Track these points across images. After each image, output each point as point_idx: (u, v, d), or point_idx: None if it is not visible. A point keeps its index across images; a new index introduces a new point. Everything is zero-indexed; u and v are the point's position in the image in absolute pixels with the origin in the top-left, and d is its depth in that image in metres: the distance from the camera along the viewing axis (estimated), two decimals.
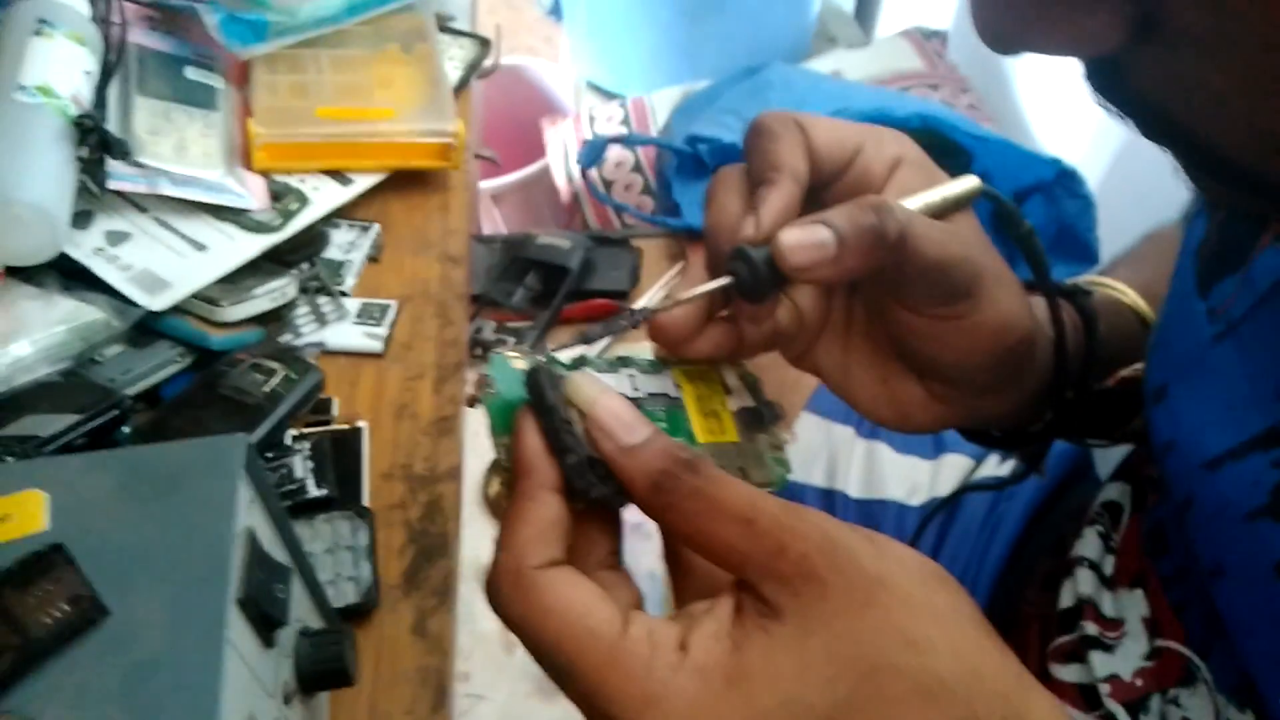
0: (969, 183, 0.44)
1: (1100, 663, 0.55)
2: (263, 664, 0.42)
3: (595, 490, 0.33)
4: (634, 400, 0.38)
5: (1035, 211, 0.97)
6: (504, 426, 0.35)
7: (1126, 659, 0.54)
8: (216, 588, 0.38)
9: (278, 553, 0.45)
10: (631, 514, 0.55)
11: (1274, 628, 0.40)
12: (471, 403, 0.35)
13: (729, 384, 0.41)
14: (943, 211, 0.43)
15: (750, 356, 0.43)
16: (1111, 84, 0.30)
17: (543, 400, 0.34)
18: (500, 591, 0.32)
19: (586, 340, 0.39)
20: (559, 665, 0.31)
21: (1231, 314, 0.46)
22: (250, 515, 0.42)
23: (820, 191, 0.42)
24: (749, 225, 0.39)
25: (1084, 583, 0.59)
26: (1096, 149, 1.08)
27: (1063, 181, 0.92)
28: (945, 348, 0.44)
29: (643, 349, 0.42)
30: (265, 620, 0.41)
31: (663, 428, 0.37)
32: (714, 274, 0.40)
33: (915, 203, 0.42)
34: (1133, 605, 0.56)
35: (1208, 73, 0.26)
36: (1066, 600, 0.60)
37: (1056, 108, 1.22)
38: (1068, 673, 0.58)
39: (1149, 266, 0.63)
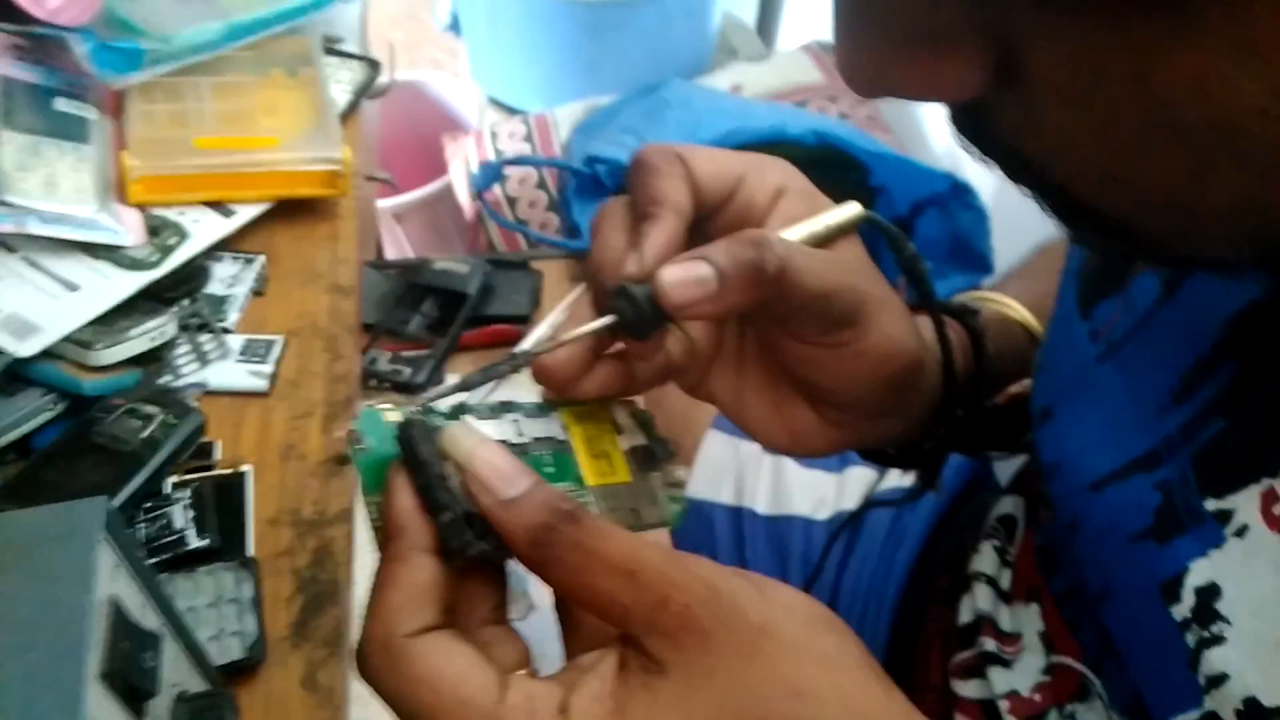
0: (851, 210, 0.44)
1: (999, 679, 0.56)
2: None
3: (473, 548, 0.32)
4: (519, 446, 0.37)
5: (931, 224, 0.99)
6: (375, 485, 0.33)
7: (1025, 674, 0.55)
8: (74, 663, 0.36)
9: (148, 617, 0.43)
10: None
11: (1160, 649, 0.40)
12: (340, 460, 0.34)
13: (620, 422, 0.41)
14: (826, 239, 0.43)
15: (642, 391, 0.43)
16: (975, 128, 0.30)
17: (415, 455, 0.33)
18: (369, 662, 0.31)
19: (466, 387, 0.38)
20: None
21: (1113, 335, 0.46)
22: (114, 582, 0.40)
23: (704, 222, 0.42)
24: (632, 262, 0.38)
25: (981, 598, 0.60)
26: None
27: (957, 194, 0.93)
28: (832, 374, 0.44)
29: (529, 391, 0.41)
30: (133, 692, 0.39)
31: (549, 473, 0.37)
32: (601, 310, 0.39)
33: (798, 232, 0.42)
34: (1029, 620, 0.56)
35: (1064, 120, 0.27)
36: (965, 616, 0.61)
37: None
38: (969, 689, 0.59)
39: (1040, 281, 0.64)
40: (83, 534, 0.39)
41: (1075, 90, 0.25)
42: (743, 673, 0.30)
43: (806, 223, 0.43)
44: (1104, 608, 0.45)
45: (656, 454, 0.40)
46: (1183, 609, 0.38)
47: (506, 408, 0.38)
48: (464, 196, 1.38)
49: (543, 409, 0.39)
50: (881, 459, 0.59)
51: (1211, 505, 0.38)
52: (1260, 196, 0.25)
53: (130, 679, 0.39)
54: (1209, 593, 0.38)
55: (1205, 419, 0.40)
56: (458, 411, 0.36)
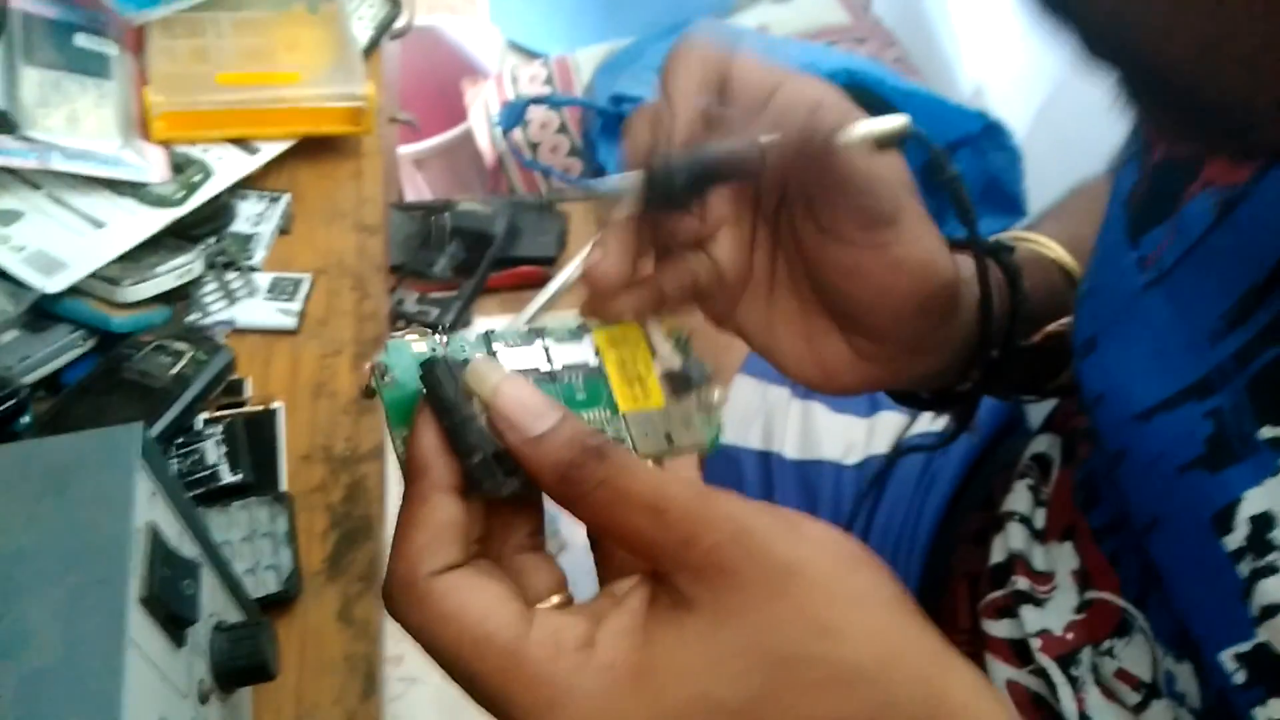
0: (898, 120, 0.43)
1: (1031, 618, 0.55)
2: (173, 664, 0.40)
3: (505, 488, 0.31)
4: (548, 373, 0.36)
5: (963, 165, 0.97)
6: (402, 419, 0.32)
7: (1058, 613, 0.54)
8: (115, 588, 0.36)
9: (186, 546, 0.43)
10: None
11: (1211, 581, 0.39)
12: (368, 394, 0.33)
13: (656, 345, 0.40)
14: (870, 144, 0.42)
15: (671, 314, 0.42)
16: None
17: (440, 396, 0.31)
18: (395, 601, 0.31)
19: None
20: (460, 673, 0.30)
21: (1163, 262, 0.45)
22: (151, 509, 0.40)
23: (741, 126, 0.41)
24: (659, 148, 0.38)
25: (1015, 537, 0.59)
26: (1022, 101, 1.08)
27: (989, 134, 0.91)
28: (867, 285, 0.43)
29: (563, 317, 0.40)
30: (173, 619, 0.39)
31: (580, 400, 0.37)
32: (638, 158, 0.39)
33: (851, 131, 0.41)
34: (1063, 559, 0.56)
35: None
36: (998, 556, 0.60)
37: (982, 60, 1.22)
38: (999, 628, 0.58)
39: (1074, 220, 0.63)
40: (120, 460, 0.39)
41: None
42: (770, 611, 0.29)
43: (852, 126, 0.41)
44: (1151, 539, 0.44)
45: (692, 378, 0.39)
46: (1235, 539, 0.38)
47: (537, 334, 0.37)
48: (484, 142, 1.36)
49: (575, 333, 0.38)
50: (914, 402, 0.58)
51: (1267, 433, 0.37)
52: None
53: (170, 605, 0.38)
54: (1263, 522, 0.37)
55: (1261, 345, 0.39)
56: (487, 338, 0.35)
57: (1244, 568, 0.37)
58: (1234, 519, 0.38)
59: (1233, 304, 0.41)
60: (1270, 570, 0.36)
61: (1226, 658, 0.38)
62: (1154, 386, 0.43)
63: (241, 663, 0.44)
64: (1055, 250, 0.59)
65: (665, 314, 0.41)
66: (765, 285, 0.46)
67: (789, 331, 0.46)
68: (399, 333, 0.34)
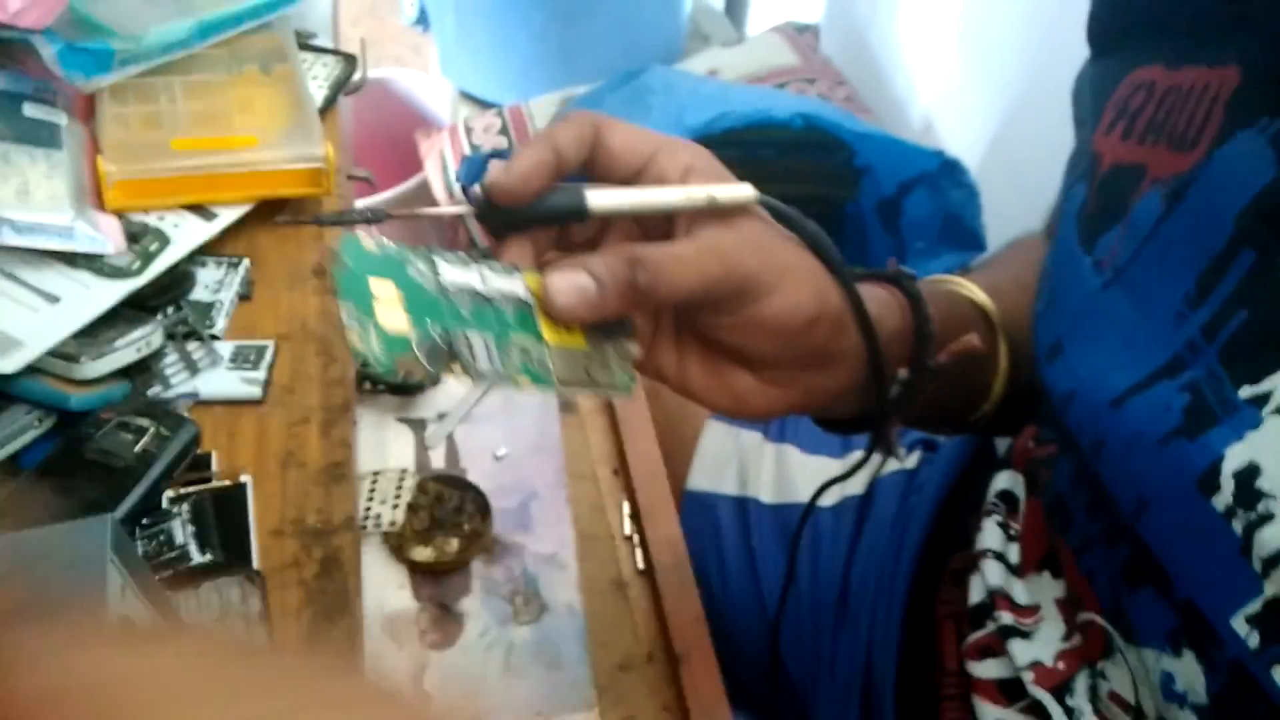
0: (743, 190, 0.48)
1: (1020, 651, 0.56)
2: None
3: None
4: (482, 295, 0.41)
5: (920, 202, 0.98)
6: (349, 293, 0.38)
7: (1046, 643, 0.55)
8: None
9: None
10: (543, 547, 0.61)
11: (1208, 545, 0.40)
12: (319, 272, 0.39)
13: None
14: (719, 213, 0.48)
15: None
16: None
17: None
18: None
19: (319, 222, 0.44)
20: None
21: (1117, 261, 0.47)
22: (123, 603, 0.38)
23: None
24: (496, 170, 0.44)
25: (991, 574, 0.59)
26: (972, 136, 1.09)
27: (946, 172, 0.92)
28: (746, 340, 0.48)
29: None
30: None
31: (510, 323, 0.41)
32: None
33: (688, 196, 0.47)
34: (1044, 589, 0.56)
35: None
36: (976, 595, 0.60)
37: (931, 97, 1.24)
38: (984, 669, 0.58)
39: (1001, 269, 0.67)
40: (90, 554, 0.37)
41: None
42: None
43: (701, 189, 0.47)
44: (1142, 522, 0.45)
45: (613, 329, 0.43)
46: (1224, 497, 0.39)
47: (475, 259, 0.42)
48: (441, 193, 1.36)
49: (508, 270, 0.42)
50: (835, 427, 0.60)
51: (1247, 392, 0.39)
52: None
53: None
54: (1248, 474, 0.38)
55: (1227, 313, 0.41)
56: (428, 252, 0.41)
57: (1237, 524, 0.38)
58: (1219, 478, 0.39)
59: (1193, 282, 0.42)
60: (1264, 519, 0.37)
61: (1238, 623, 0.39)
62: (1123, 375, 0.45)
63: None
64: (970, 288, 0.62)
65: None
66: (671, 335, 0.50)
67: (699, 371, 0.50)
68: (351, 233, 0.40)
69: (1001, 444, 0.77)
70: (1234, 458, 0.38)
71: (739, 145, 0.97)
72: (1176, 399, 0.41)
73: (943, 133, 1.13)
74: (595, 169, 0.46)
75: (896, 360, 0.53)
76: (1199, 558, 0.41)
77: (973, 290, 0.61)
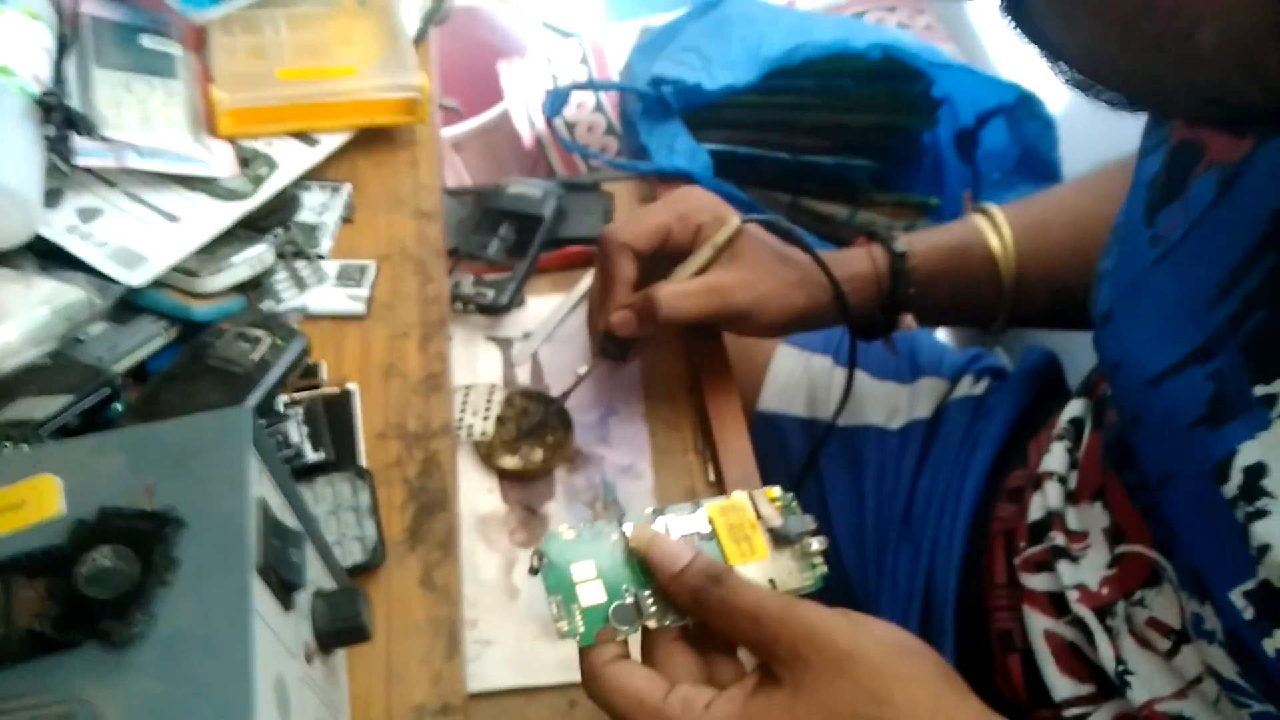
0: (729, 228, 0.70)
1: (1067, 572, 0.58)
2: (284, 627, 0.43)
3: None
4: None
5: (997, 134, 0.98)
6: (555, 586, 0.46)
7: (1092, 569, 0.57)
8: (238, 558, 0.39)
9: (288, 519, 0.46)
10: (620, 458, 0.70)
11: (1215, 527, 0.43)
12: (533, 571, 0.48)
13: (761, 511, 0.50)
14: (713, 258, 0.70)
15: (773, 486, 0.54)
16: (1018, 13, 0.35)
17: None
18: (586, 683, 0.46)
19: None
20: None
21: (1170, 238, 0.49)
22: (261, 485, 0.43)
23: (650, 259, 0.71)
24: (601, 320, 0.71)
25: (1052, 496, 0.62)
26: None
27: (1023, 105, 0.92)
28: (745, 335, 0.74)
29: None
30: (284, 585, 0.42)
31: None
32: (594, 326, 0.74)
33: (689, 266, 0.70)
34: (1094, 518, 0.59)
35: (1053, 11, 0.33)
36: (1036, 513, 0.63)
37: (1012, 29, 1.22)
38: (1037, 581, 0.61)
39: (1036, 206, 0.75)
40: (233, 441, 0.42)
41: None
42: (833, 685, 0.41)
43: (697, 254, 0.70)
44: (1164, 494, 0.47)
45: (790, 533, 0.49)
46: (1231, 487, 0.42)
47: (658, 513, 0.49)
48: (522, 124, 1.38)
49: (691, 508, 0.49)
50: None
51: (1259, 391, 0.41)
52: (1177, 69, 0.31)
53: (281, 573, 0.42)
54: (1255, 471, 0.41)
55: (1249, 310, 0.43)
56: (618, 521, 0.48)
57: (1239, 513, 0.41)
58: (1230, 469, 0.42)
59: (1227, 273, 0.45)
60: (1260, 514, 0.40)
61: (1236, 596, 0.42)
62: (1163, 353, 0.47)
63: (341, 625, 0.48)
64: (991, 236, 0.72)
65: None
66: None
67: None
68: (553, 528, 0.48)
69: (1076, 375, 0.79)
70: (1246, 454, 0.41)
71: (817, 75, 0.97)
72: (1203, 388, 0.44)
73: (1022, 66, 1.13)
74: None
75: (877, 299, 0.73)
76: (1207, 536, 0.44)
77: (992, 237, 0.72)
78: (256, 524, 0.41)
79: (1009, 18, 0.35)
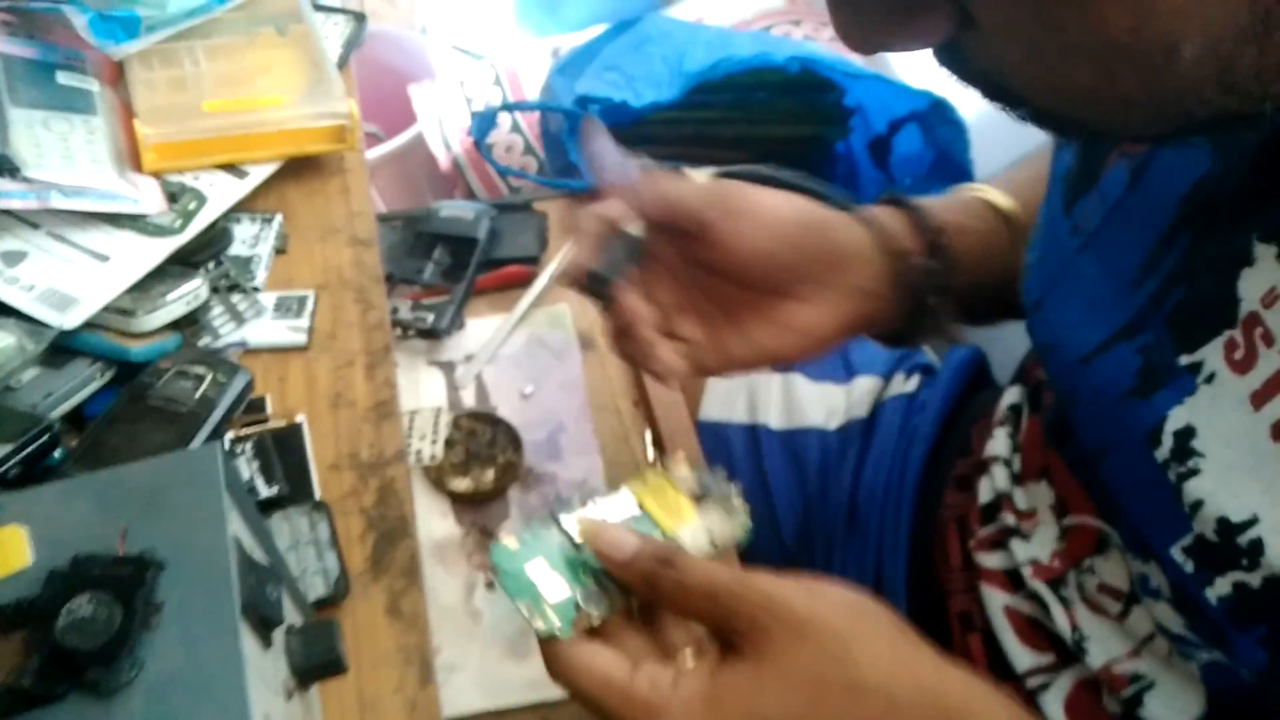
0: (703, 173, 0.61)
1: (1020, 549, 0.61)
2: (265, 666, 0.43)
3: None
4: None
5: (911, 140, 1.02)
6: (517, 591, 0.45)
7: (1042, 544, 0.60)
8: (222, 597, 0.39)
9: (259, 556, 0.46)
10: (572, 474, 0.73)
11: (1150, 490, 0.46)
12: (490, 586, 0.55)
13: (677, 476, 0.51)
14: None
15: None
16: (954, 63, 0.36)
17: None
18: (551, 667, 0.45)
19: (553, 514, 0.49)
20: (594, 707, 0.44)
21: (1089, 227, 0.52)
22: (234, 523, 0.43)
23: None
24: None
25: (999, 479, 0.65)
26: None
27: (936, 110, 0.96)
28: (744, 250, 0.59)
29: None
30: (264, 623, 0.42)
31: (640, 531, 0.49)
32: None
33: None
34: (1040, 496, 0.62)
35: (1008, 51, 0.34)
36: (985, 496, 0.65)
37: None
38: (993, 560, 0.64)
39: (1019, 172, 0.71)
40: (206, 479, 0.42)
41: (1008, 30, 0.33)
42: (797, 651, 0.42)
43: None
44: (1103, 464, 0.51)
45: (710, 490, 0.50)
46: (1163, 451, 0.44)
47: (588, 500, 0.50)
48: (437, 146, 1.38)
49: (616, 491, 0.50)
50: (893, 343, 0.67)
51: (1184, 360, 0.44)
52: (1153, 85, 0.32)
53: (261, 610, 0.41)
54: (1185, 434, 0.44)
55: (1169, 287, 0.46)
56: (554, 516, 0.48)
57: (1172, 474, 0.44)
58: (1162, 434, 0.45)
59: (1145, 255, 0.48)
60: (1192, 473, 0.43)
61: (1176, 552, 0.45)
62: (1091, 333, 0.50)
63: (317, 660, 0.47)
64: (990, 193, 0.68)
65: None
66: (721, 338, 0.62)
67: (761, 333, 0.61)
68: (495, 540, 0.50)
69: (1002, 362, 0.82)
70: (1175, 419, 0.44)
71: (736, 89, 1.00)
72: (1132, 361, 0.47)
73: (927, 73, 1.17)
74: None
75: (917, 275, 0.62)
76: (1145, 499, 0.47)
77: (992, 194, 0.67)
78: (234, 563, 0.41)
79: (948, 65, 0.37)
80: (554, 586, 0.46)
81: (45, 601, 0.37)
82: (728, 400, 0.89)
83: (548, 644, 0.45)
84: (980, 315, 0.69)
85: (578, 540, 0.47)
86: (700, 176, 0.55)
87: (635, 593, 0.46)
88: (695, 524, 0.49)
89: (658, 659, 0.45)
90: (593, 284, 0.56)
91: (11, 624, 0.37)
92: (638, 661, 0.44)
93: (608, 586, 0.46)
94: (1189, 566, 0.44)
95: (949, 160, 0.97)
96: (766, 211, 0.59)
